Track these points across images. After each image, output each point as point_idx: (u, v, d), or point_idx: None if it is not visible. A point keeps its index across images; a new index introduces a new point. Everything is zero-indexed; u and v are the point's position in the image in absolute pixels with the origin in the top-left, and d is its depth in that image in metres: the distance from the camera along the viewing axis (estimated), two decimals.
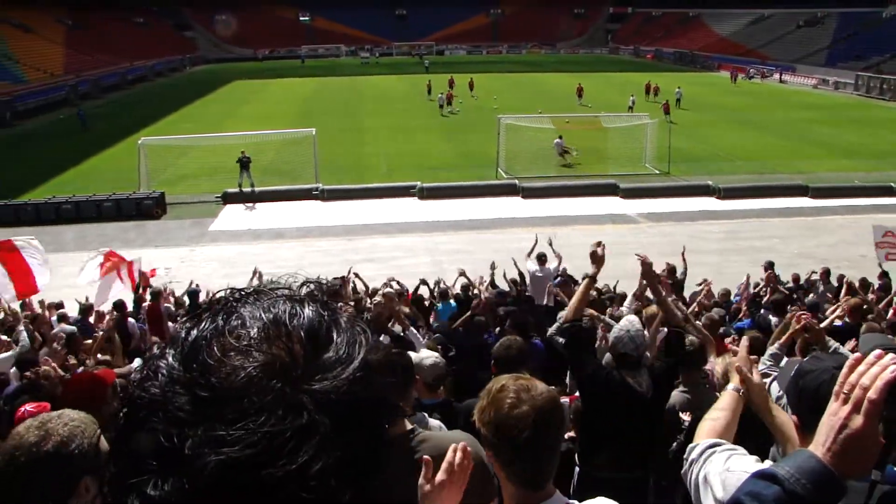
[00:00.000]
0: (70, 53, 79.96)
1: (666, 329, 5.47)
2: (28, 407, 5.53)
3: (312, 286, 0.98)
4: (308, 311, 0.90)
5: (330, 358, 0.86)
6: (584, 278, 5.34)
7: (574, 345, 5.11)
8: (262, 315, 0.88)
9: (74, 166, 36.77)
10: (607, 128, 37.63)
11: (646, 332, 5.59)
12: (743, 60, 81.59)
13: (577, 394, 5.65)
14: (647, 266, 5.41)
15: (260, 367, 0.81)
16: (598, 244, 5.07)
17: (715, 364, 5.73)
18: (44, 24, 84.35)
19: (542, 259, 14.73)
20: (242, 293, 0.94)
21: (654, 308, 7.67)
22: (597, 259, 5.05)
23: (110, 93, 69.91)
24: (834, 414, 1.57)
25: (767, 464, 2.69)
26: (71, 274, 15.57)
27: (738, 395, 3.03)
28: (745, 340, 3.67)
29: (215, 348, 0.84)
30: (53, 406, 5.96)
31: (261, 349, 0.83)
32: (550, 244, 15.43)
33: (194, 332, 0.87)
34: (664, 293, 5.49)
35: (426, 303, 13.91)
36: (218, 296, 0.95)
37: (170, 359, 0.85)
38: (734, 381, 3.17)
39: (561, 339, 6.61)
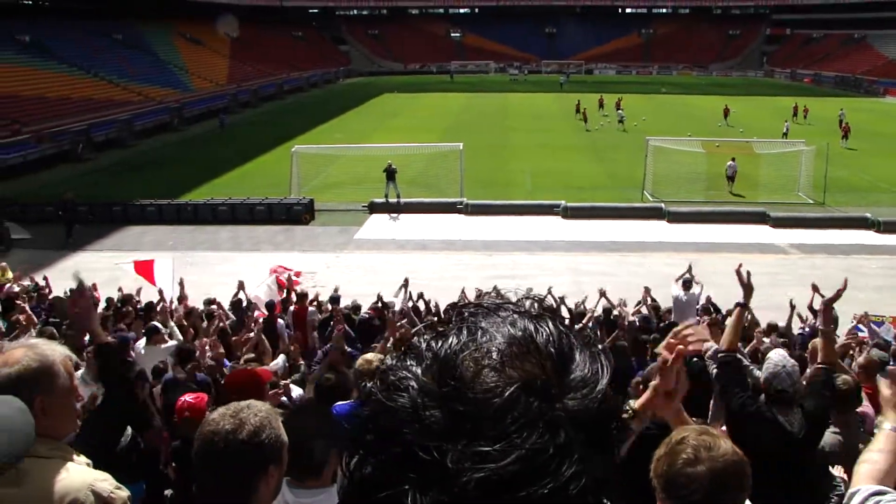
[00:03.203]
0: (233, 64, 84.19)
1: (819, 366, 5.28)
2: (187, 398, 5.91)
3: (543, 303, 0.98)
4: (551, 328, 0.90)
5: (576, 377, 0.86)
6: (736, 306, 5.21)
7: (727, 375, 4.99)
8: (509, 330, 0.88)
9: (232, 170, 38.66)
10: (759, 154, 36.43)
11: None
12: None
13: (723, 427, 5.54)
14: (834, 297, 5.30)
15: (518, 384, 0.82)
16: (740, 266, 4.98)
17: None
18: (212, 38, 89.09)
19: (686, 284, 14.44)
20: (479, 308, 0.93)
21: (818, 341, 7.42)
22: (745, 286, 4.95)
23: (267, 102, 73.00)
24: None
25: None
26: (224, 272, 16.42)
27: None
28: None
29: (470, 363, 0.84)
30: (211, 399, 6.33)
31: (514, 366, 0.84)
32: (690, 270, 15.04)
33: (442, 346, 0.88)
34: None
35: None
36: (459, 309, 0.95)
37: (418, 371, 0.86)
38: (891, 420, 2.82)
39: (714, 368, 6.46)
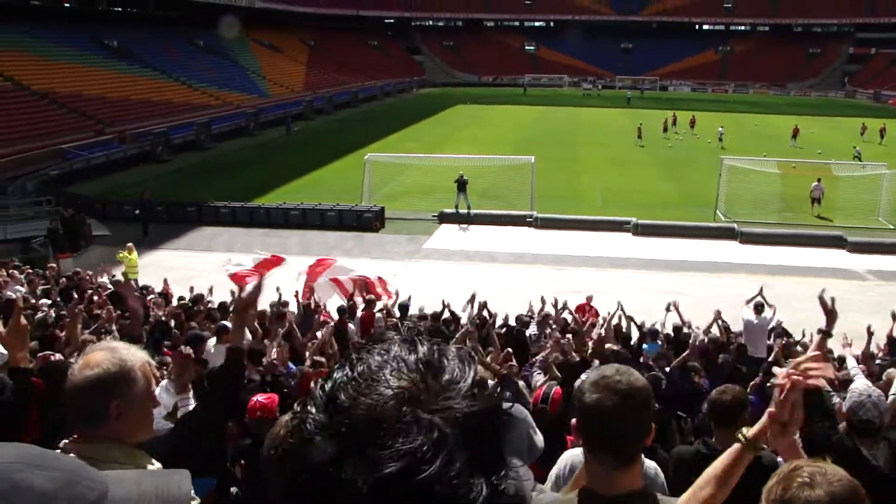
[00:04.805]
0: (310, 72, 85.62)
1: None
2: (259, 398, 6.02)
3: (421, 328, 1.16)
4: (420, 348, 1.07)
5: (447, 380, 1.03)
6: (818, 333, 5.04)
7: (806, 403, 4.77)
8: (382, 358, 1.05)
9: (304, 175, 39.29)
10: (837, 176, 35.54)
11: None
12: None
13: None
14: None
15: (389, 398, 0.99)
16: (831, 299, 4.83)
17: None
18: (290, 45, 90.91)
19: (759, 308, 14.16)
20: (364, 345, 1.11)
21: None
22: (829, 312, 4.80)
23: (341, 110, 73.93)
24: None
25: None
26: (292, 276, 16.61)
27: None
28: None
29: (350, 391, 1.01)
30: (282, 399, 6.43)
31: (387, 385, 1.01)
32: (761, 293, 14.68)
33: (327, 385, 1.05)
34: None
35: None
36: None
37: (312, 409, 1.03)
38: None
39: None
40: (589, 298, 17.48)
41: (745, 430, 2.57)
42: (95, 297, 13.30)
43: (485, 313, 14.59)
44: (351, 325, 13.21)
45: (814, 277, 23.85)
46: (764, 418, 2.58)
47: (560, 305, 14.93)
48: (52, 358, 4.22)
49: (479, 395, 1.04)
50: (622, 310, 13.87)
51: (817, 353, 2.85)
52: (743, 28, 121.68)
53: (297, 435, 1.02)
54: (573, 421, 2.52)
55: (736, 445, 2.58)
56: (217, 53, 74.95)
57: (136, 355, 2.56)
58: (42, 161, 38.39)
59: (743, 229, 28.81)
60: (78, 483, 1.07)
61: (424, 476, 0.93)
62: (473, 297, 14.35)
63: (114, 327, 9.57)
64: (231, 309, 9.16)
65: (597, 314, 15.88)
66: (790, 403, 2.49)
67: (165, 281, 17.94)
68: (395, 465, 0.93)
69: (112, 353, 2.51)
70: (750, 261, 25.66)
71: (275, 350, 9.35)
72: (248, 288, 3.74)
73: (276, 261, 16.51)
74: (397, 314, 16.57)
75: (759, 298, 14.53)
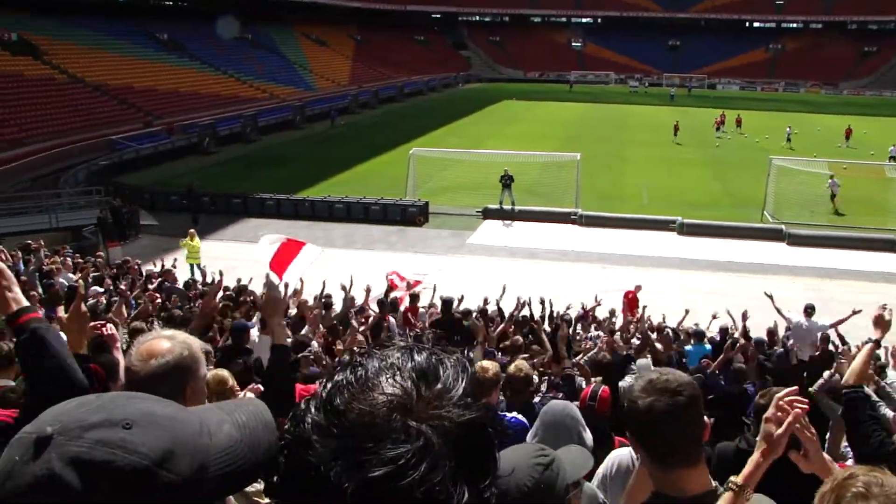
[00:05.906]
0: (356, 66, 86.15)
1: None
2: (299, 388, 6.09)
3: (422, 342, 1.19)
4: (417, 357, 1.12)
5: (439, 390, 1.07)
6: (866, 342, 4.95)
7: (856, 413, 4.71)
8: (380, 364, 1.10)
9: (349, 169, 39.57)
10: (892, 178, 34.84)
11: None
12: None
13: (849, 461, 5.30)
14: None
15: (381, 405, 1.03)
16: (884, 307, 4.75)
17: None
18: (337, 40, 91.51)
19: (809, 311, 13.96)
20: (363, 352, 1.15)
21: None
22: (882, 324, 4.72)
23: (386, 104, 74.21)
24: None
25: None
26: (336, 269, 16.71)
27: None
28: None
29: (346, 395, 1.06)
30: None
31: (381, 391, 1.05)
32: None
33: (327, 386, 1.09)
34: None
35: None
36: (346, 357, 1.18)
37: (312, 409, 1.07)
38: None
39: (835, 403, 6.19)
40: (637, 287, 17.47)
41: (733, 477, 2.51)
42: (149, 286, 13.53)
43: (529, 311, 14.60)
44: (392, 320, 13.26)
45: (864, 282, 23.45)
46: (754, 458, 2.51)
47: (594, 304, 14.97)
48: (103, 331, 4.31)
49: (471, 405, 1.08)
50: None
51: (795, 388, 2.77)
52: (795, 25, 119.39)
53: (294, 432, 1.07)
54: (627, 436, 2.49)
55: (728, 494, 2.46)
56: (265, 47, 75.69)
57: (192, 338, 2.66)
58: (93, 151, 39.17)
59: (791, 231, 28.37)
60: (182, 410, 1.16)
61: (406, 482, 0.97)
62: (504, 288, 14.48)
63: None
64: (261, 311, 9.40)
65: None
66: (783, 444, 2.47)
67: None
68: (380, 470, 0.97)
69: (174, 339, 2.59)
70: (797, 263, 25.31)
71: (316, 342, 9.45)
72: (267, 289, 3.72)
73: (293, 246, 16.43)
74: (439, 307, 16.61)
75: (809, 301, 14.34)
